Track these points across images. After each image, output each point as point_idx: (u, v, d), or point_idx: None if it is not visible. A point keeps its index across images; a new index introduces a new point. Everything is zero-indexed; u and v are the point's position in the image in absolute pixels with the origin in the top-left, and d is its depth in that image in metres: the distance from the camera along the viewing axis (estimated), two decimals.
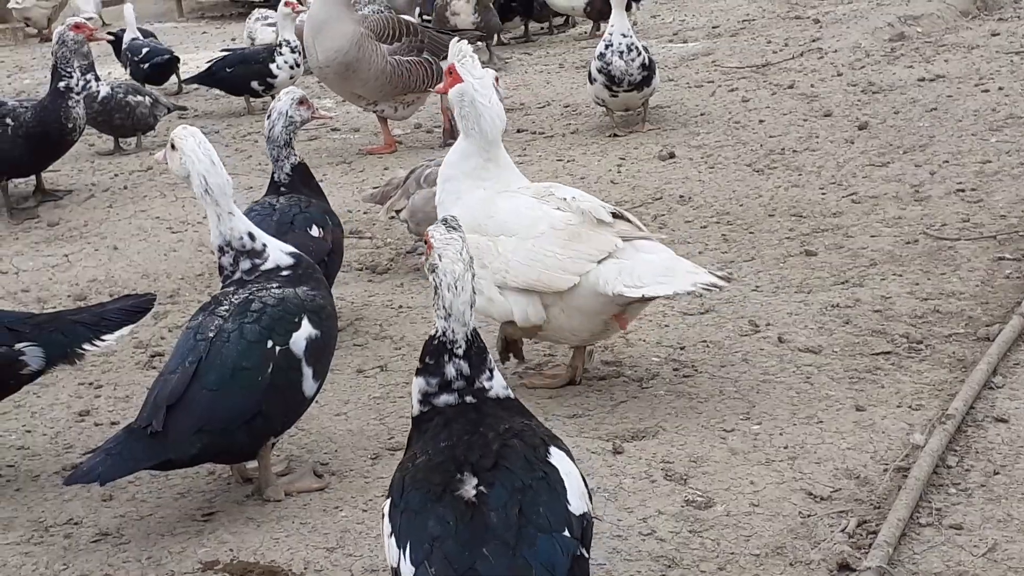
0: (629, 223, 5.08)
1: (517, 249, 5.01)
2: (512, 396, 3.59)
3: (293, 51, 11.18)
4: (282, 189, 5.89)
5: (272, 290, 4.50)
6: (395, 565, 3.17)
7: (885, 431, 4.68)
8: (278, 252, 4.66)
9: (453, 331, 3.49)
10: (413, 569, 3.10)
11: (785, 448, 4.61)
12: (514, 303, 5.06)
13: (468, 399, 3.50)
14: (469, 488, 3.18)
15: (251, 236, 4.62)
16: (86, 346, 4.79)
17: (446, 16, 12.52)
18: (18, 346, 4.67)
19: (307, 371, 4.44)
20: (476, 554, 3.05)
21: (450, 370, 3.50)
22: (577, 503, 3.26)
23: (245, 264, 4.61)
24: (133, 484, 4.75)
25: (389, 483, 3.40)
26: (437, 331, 3.51)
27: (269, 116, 5.89)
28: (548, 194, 5.16)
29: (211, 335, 4.35)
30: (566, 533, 3.16)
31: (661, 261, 4.88)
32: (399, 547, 3.17)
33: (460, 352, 3.50)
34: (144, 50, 12.49)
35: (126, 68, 12.70)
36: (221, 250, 4.62)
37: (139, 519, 4.51)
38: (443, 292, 3.46)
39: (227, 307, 4.45)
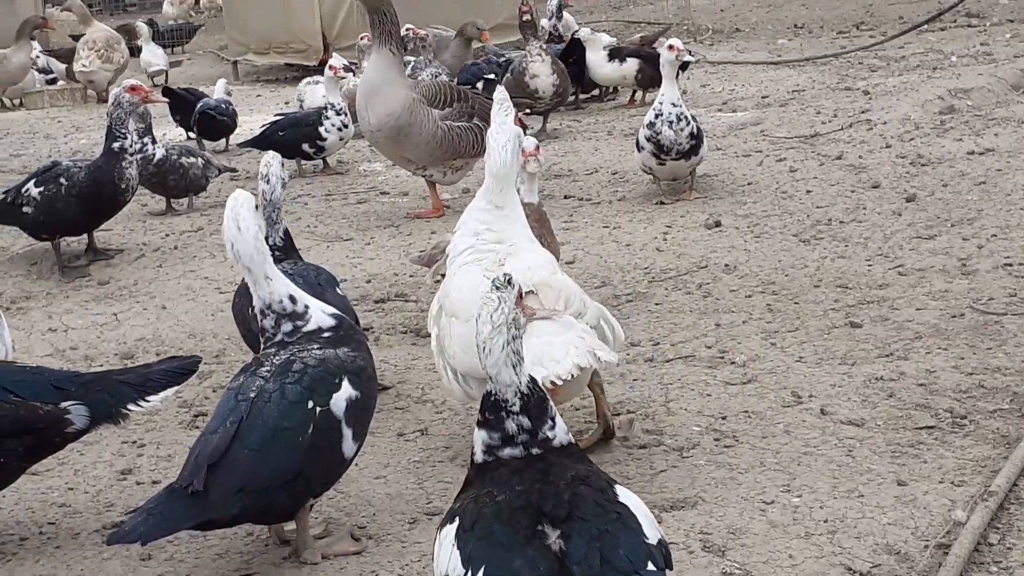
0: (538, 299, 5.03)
1: (461, 335, 5.02)
2: (573, 441, 3.62)
3: (339, 113, 11.28)
4: (277, 253, 5.86)
5: (313, 351, 4.53)
6: None
7: (927, 507, 4.64)
8: (320, 314, 4.70)
9: (500, 391, 3.51)
10: None
11: (825, 522, 4.58)
12: (464, 386, 5.11)
13: (534, 451, 3.51)
14: (554, 539, 3.25)
15: (292, 299, 4.66)
16: (131, 407, 4.82)
17: (524, 81, 12.29)
18: (64, 405, 4.71)
19: (347, 432, 4.45)
20: None
21: (511, 426, 3.51)
22: (652, 532, 3.36)
23: (287, 326, 4.64)
24: (172, 544, 4.76)
25: (451, 511, 3.45)
26: (490, 391, 3.53)
27: (268, 180, 5.90)
28: (501, 263, 5.17)
29: (252, 395, 4.38)
30: (650, 567, 3.25)
31: (534, 348, 4.66)
32: (467, 568, 3.23)
33: (516, 409, 3.51)
34: (198, 104, 13.10)
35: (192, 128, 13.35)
36: (263, 313, 4.65)
37: None
38: (481, 352, 3.49)
39: (268, 368, 4.48)
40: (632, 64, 13.65)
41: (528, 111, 12.34)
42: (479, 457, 3.56)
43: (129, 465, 5.54)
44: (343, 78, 11.44)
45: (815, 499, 4.75)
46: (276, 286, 4.63)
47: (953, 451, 5.11)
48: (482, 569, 3.22)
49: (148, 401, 4.87)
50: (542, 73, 12.27)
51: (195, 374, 5.13)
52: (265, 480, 4.30)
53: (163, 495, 4.34)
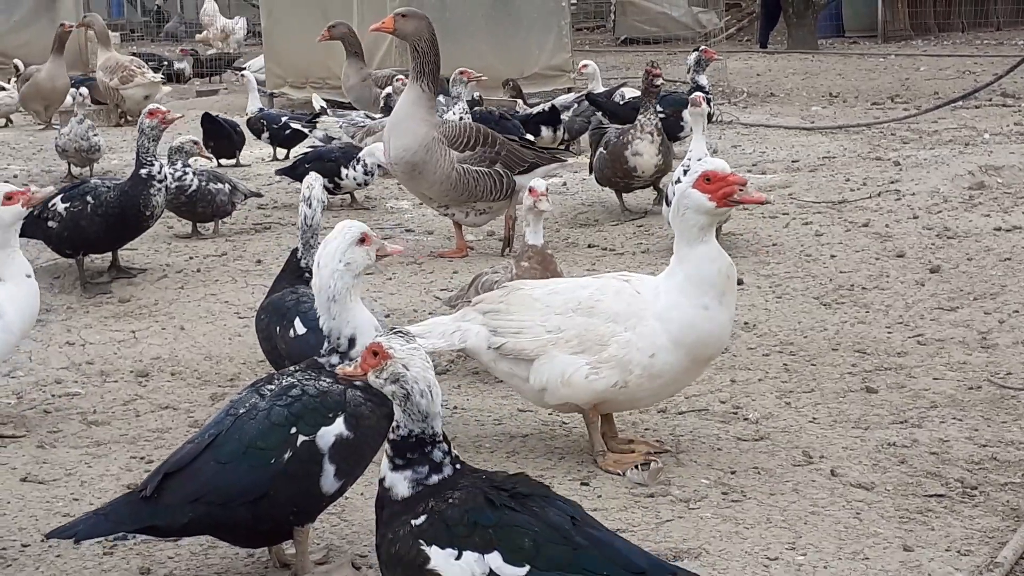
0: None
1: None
2: None
3: (368, 173, 11.23)
4: (307, 275, 5.93)
5: (322, 381, 4.49)
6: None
7: (931, 573, 4.61)
8: None
9: (433, 428, 3.86)
10: None
11: None
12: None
13: (457, 466, 3.91)
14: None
15: (351, 342, 4.57)
16: None
17: (624, 156, 10.74)
18: None
19: (328, 468, 4.40)
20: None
21: (437, 454, 3.88)
22: None
23: (334, 359, 4.60)
24: (172, 559, 4.77)
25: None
26: (411, 431, 3.86)
27: (309, 204, 6.02)
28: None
29: (242, 411, 4.39)
30: None
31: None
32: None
33: (440, 439, 3.90)
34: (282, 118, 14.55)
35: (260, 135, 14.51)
36: (327, 337, 4.63)
37: None
38: (416, 399, 3.83)
39: (273, 387, 4.48)
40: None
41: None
42: (406, 493, 3.85)
43: (135, 479, 5.52)
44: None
45: (819, 559, 4.73)
46: (339, 325, 4.57)
47: (961, 520, 5.08)
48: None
49: None
50: (646, 153, 10.67)
51: None
52: (224, 494, 4.30)
53: (120, 498, 4.42)
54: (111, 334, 7.90)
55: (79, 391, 6.88)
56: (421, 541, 3.70)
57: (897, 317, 7.90)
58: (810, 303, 8.26)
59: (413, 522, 3.75)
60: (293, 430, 4.35)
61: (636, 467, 5.49)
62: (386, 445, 3.92)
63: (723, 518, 5.09)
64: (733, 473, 5.55)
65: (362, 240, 4.60)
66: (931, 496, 5.31)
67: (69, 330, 7.96)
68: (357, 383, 4.47)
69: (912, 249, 9.52)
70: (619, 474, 5.50)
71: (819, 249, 9.61)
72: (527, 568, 3.57)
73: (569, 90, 16.16)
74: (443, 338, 5.74)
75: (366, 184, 11.38)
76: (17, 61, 18.71)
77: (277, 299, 6.21)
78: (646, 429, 6.10)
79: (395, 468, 3.87)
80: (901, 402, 6.43)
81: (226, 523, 4.38)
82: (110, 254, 9.24)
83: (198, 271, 9.39)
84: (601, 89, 14.87)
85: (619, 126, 11.56)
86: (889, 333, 7.58)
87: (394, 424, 3.89)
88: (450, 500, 3.75)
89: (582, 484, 5.46)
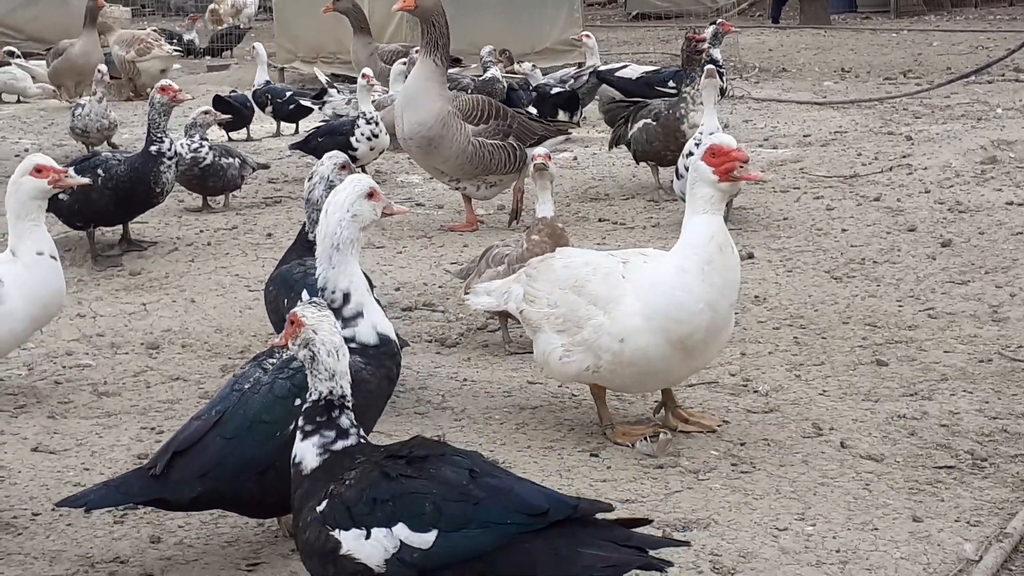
0: None
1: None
2: None
3: (369, 122, 11.12)
4: (315, 248, 5.93)
5: None
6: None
7: (940, 544, 4.61)
8: (369, 329, 4.61)
9: (341, 387, 3.93)
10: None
11: (837, 552, 4.56)
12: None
13: (361, 440, 3.96)
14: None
15: (345, 297, 4.61)
16: None
17: (680, 129, 10.21)
18: None
19: None
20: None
21: (344, 420, 3.94)
22: None
23: None
24: (183, 528, 4.80)
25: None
26: (320, 394, 3.93)
27: (311, 179, 6.00)
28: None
29: (247, 387, 4.41)
30: None
31: None
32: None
33: (348, 406, 3.96)
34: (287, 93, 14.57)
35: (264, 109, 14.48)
36: (320, 291, 4.66)
37: (184, 563, 4.55)
38: (323, 359, 3.92)
39: (275, 360, 4.49)
40: None
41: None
42: (315, 463, 3.89)
43: (146, 450, 5.55)
44: (375, 85, 11.41)
45: (829, 529, 4.73)
46: (336, 276, 4.62)
47: (971, 492, 5.08)
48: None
49: None
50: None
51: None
52: (232, 468, 4.32)
53: (131, 472, 4.47)
54: (122, 306, 7.92)
55: (90, 363, 6.89)
56: (327, 527, 3.71)
57: (908, 291, 7.88)
58: (821, 277, 8.24)
59: (317, 508, 3.77)
60: (297, 401, 4.34)
61: (645, 439, 5.51)
62: (299, 421, 3.98)
63: (732, 489, 5.10)
64: (743, 445, 5.55)
65: (370, 195, 4.65)
66: (941, 468, 5.31)
67: (80, 302, 7.97)
68: (370, 351, 4.55)
69: (923, 223, 9.49)
70: (628, 446, 5.52)
71: (830, 223, 9.59)
72: (435, 532, 3.60)
73: (579, 65, 16.07)
74: (495, 296, 5.98)
75: (376, 137, 11.15)
76: (11, 48, 18.59)
77: (285, 271, 6.21)
78: (655, 401, 6.09)
79: (304, 436, 3.93)
80: (911, 375, 6.43)
81: (235, 496, 4.40)
82: (121, 227, 9.26)
83: (208, 244, 9.39)
84: (598, 62, 14.80)
85: (666, 100, 11.09)
86: (900, 306, 7.57)
87: (308, 394, 3.96)
88: (347, 482, 3.76)
89: (591, 455, 5.46)
